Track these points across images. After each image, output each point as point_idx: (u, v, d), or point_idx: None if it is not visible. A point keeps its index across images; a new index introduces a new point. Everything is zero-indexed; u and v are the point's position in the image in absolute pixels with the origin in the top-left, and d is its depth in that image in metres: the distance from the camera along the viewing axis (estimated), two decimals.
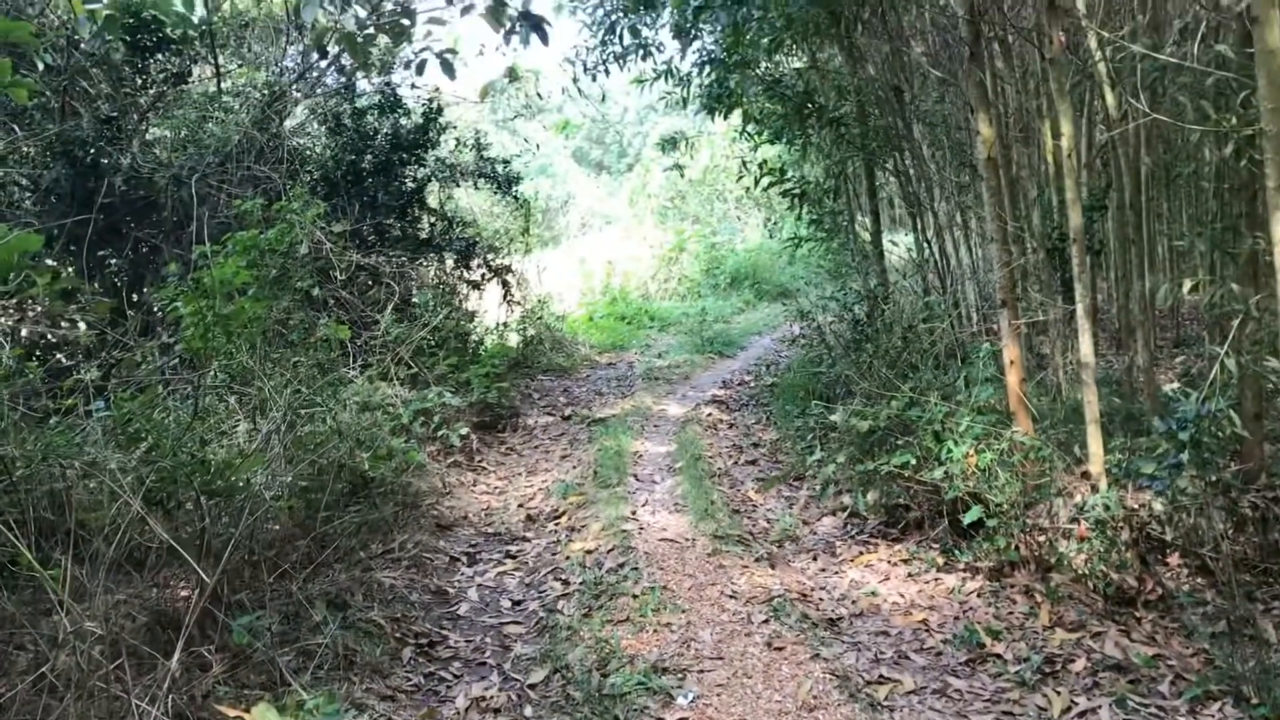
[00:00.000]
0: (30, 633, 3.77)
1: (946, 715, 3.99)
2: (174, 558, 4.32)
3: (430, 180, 11.08)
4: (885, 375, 6.54)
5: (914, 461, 5.65)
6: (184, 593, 4.57)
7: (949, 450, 5.40)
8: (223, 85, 9.61)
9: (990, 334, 7.85)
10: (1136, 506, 5.05)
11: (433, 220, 11.38)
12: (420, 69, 9.98)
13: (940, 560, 5.51)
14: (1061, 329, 7.22)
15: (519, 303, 12.49)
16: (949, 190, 8.85)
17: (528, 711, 4.19)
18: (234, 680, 4.01)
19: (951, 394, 6.01)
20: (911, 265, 9.33)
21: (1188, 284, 5.82)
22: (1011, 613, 4.83)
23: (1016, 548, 5.14)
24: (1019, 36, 7.82)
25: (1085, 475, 5.36)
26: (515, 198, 12.33)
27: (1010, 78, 8.45)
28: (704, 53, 10.29)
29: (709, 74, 10.09)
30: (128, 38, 8.44)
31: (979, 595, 5.06)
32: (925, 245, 8.83)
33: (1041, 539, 5.17)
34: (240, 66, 10.38)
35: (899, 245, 10.26)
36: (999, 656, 4.44)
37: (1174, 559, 5.04)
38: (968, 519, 5.27)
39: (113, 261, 7.97)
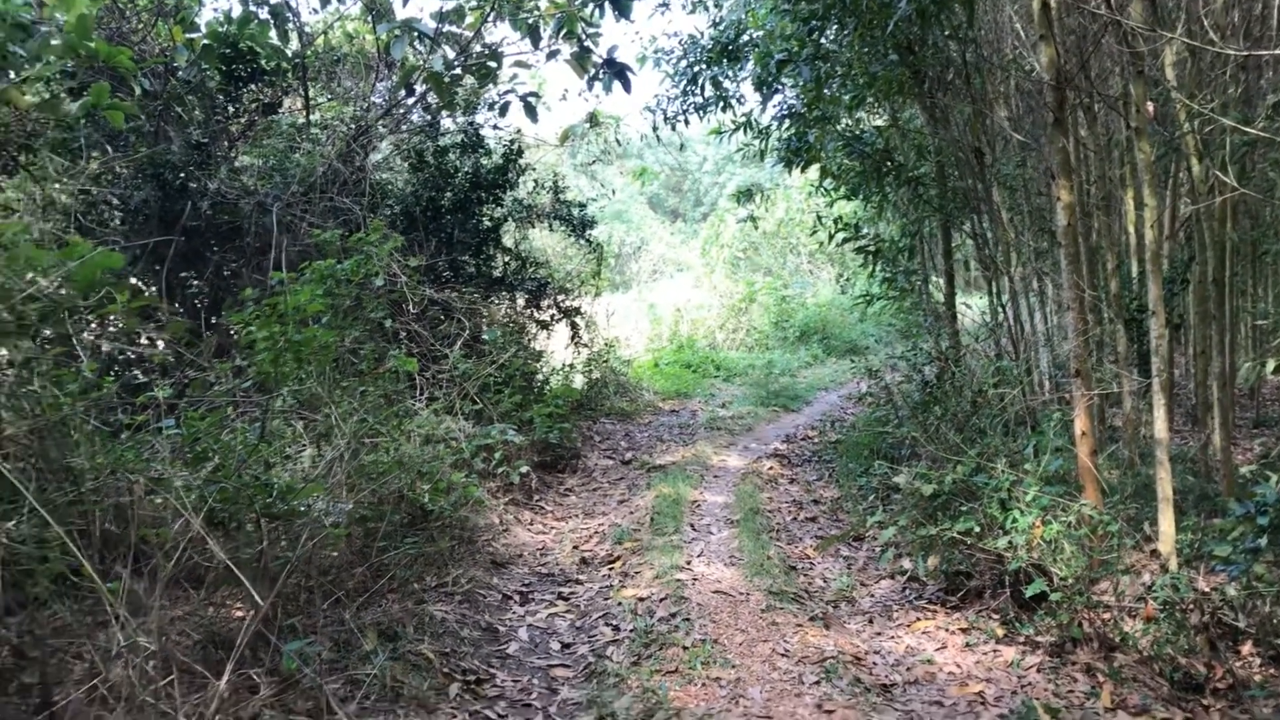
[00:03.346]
0: (87, 643, 3.82)
1: None
2: (231, 578, 4.36)
3: (506, 220, 11.21)
4: (952, 439, 6.42)
5: (978, 529, 5.53)
6: (238, 613, 4.61)
7: (1014, 519, 5.28)
8: (311, 117, 9.84)
9: (1062, 403, 7.70)
10: (1208, 590, 4.89)
11: (506, 259, 11.50)
12: (504, 111, 10.14)
13: (1000, 631, 5.37)
14: (1136, 402, 7.06)
15: (586, 345, 12.53)
16: (1026, 255, 8.74)
17: None
18: (281, 705, 4.02)
19: (1019, 462, 5.89)
20: (984, 328, 9.21)
21: (1271, 363, 5.68)
22: (1072, 691, 4.68)
23: (1080, 624, 5.00)
24: (1105, 104, 7.74)
25: (1154, 554, 5.21)
26: (589, 241, 12.42)
27: (1094, 145, 8.36)
28: (784, 106, 10.34)
29: (788, 127, 10.13)
30: (223, 67, 8.69)
31: (1039, 670, 4.91)
32: (1000, 309, 8.71)
33: (1106, 617, 5.02)
34: (329, 100, 10.63)
35: (972, 308, 10.14)
36: None
37: (1246, 647, 4.85)
38: (1030, 591, 5.13)
39: (194, 283, 8.15)
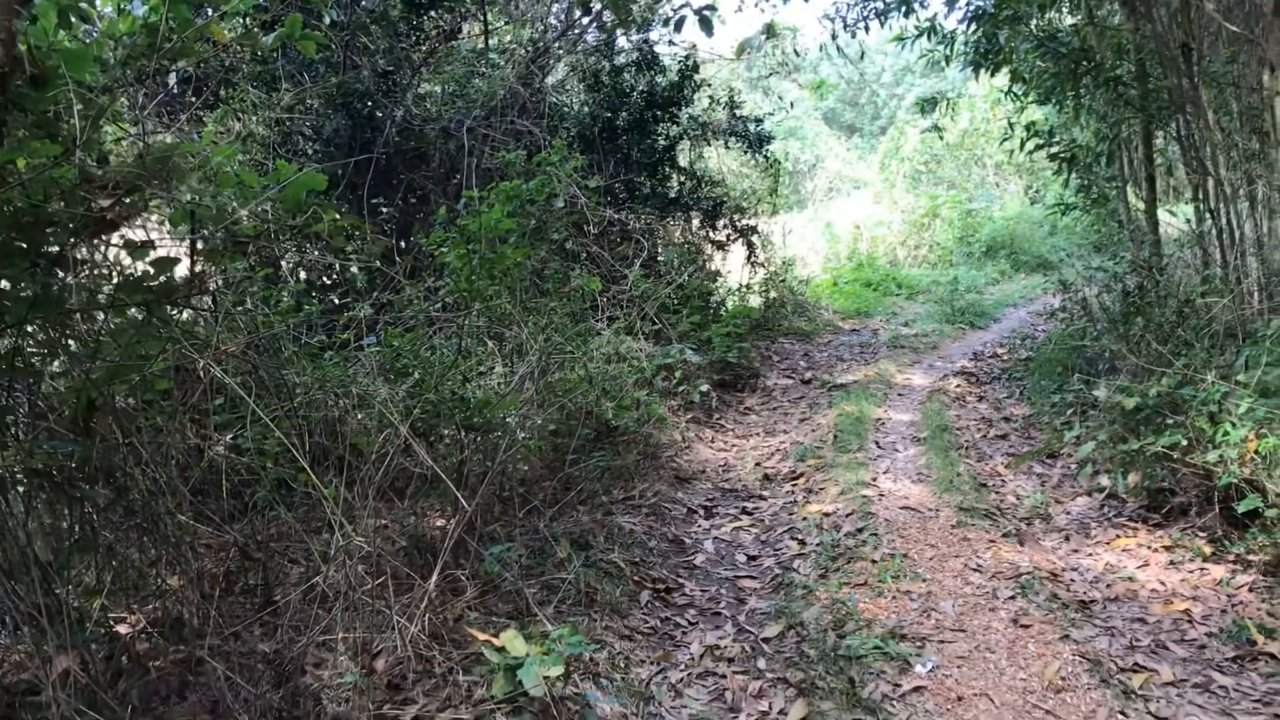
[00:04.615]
0: (304, 546, 4.07)
1: (1209, 712, 3.71)
2: (431, 488, 4.56)
3: (682, 138, 11.15)
4: (1156, 350, 6.10)
5: (1184, 443, 5.25)
6: (439, 522, 4.83)
7: (1225, 433, 4.99)
8: (490, 42, 9.97)
9: (1276, 313, 7.20)
10: None
11: (682, 179, 11.46)
12: (679, 26, 9.99)
13: (1207, 549, 5.11)
14: None
15: (763, 265, 12.42)
16: (1236, 158, 8.14)
17: (761, 664, 4.20)
18: (483, 606, 4.20)
19: (1230, 374, 5.55)
20: (1188, 237, 8.66)
21: None
22: None
23: None
24: None
25: None
26: (765, 157, 12.25)
27: None
28: (971, 7, 9.85)
29: (975, 30, 9.66)
30: None
31: (1250, 589, 4.66)
32: (1207, 215, 8.17)
33: None
34: (507, 24, 10.73)
35: (1177, 215, 9.55)
36: (1273, 656, 4.08)
37: None
38: (1243, 507, 4.85)
39: (384, 209, 8.45)
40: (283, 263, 5.53)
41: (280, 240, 4.58)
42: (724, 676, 4.12)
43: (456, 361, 4.78)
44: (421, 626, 3.67)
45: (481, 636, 3.54)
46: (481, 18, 9.89)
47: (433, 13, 9.32)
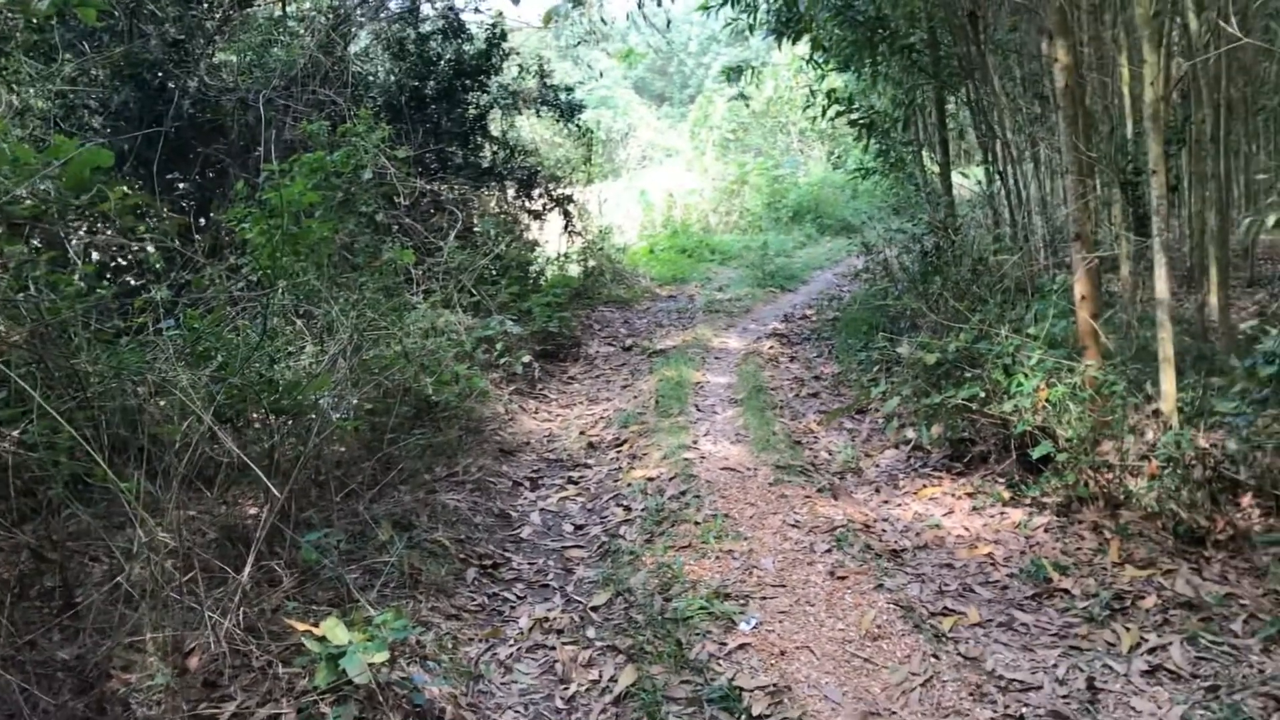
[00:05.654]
0: (105, 544, 3.85)
1: (1012, 648, 3.95)
2: (242, 476, 4.38)
3: (493, 107, 10.99)
4: (954, 307, 6.40)
5: (982, 394, 5.55)
6: (252, 510, 4.65)
7: (1019, 384, 5.29)
8: (287, 9, 9.57)
9: (1060, 268, 7.67)
10: (1209, 446, 4.92)
11: (495, 149, 11.32)
12: None
13: (1006, 495, 5.44)
14: (1134, 266, 7.02)
15: (580, 234, 12.42)
16: (1020, 122, 8.61)
17: (590, 633, 4.23)
18: (302, 596, 4.08)
19: (1021, 328, 5.89)
20: (980, 199, 9.12)
21: (1272, 218, 5.63)
22: (1080, 548, 4.76)
23: (1085, 483, 5.05)
24: None
25: (1156, 414, 5.23)
26: (578, 126, 12.21)
27: (1087, 4, 8.16)
28: None
29: None
30: None
31: (1046, 530, 4.99)
32: (996, 177, 8.62)
33: (1110, 476, 5.07)
34: None
35: (969, 178, 10.03)
36: (1066, 591, 4.39)
37: (1246, 499, 4.91)
38: (1037, 453, 5.17)
39: (180, 185, 8.02)
40: (69, 244, 5.18)
41: (64, 220, 4.30)
42: (553, 648, 4.14)
43: (262, 343, 4.59)
44: (236, 620, 3.54)
45: (301, 627, 3.43)
46: None
47: None
